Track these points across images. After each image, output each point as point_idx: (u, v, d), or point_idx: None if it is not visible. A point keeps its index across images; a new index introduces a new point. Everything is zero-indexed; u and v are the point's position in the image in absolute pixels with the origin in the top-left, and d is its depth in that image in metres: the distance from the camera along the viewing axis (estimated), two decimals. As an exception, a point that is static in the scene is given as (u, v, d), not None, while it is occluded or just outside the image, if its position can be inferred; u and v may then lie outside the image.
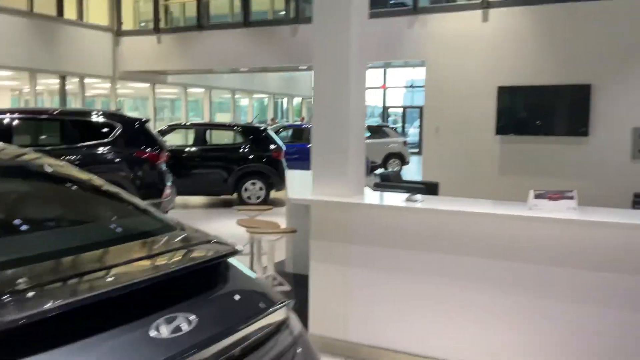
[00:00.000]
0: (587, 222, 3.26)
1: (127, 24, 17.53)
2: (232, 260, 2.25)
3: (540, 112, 10.35)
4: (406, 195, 3.99)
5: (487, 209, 3.53)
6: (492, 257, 3.53)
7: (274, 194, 11.33)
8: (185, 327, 1.68)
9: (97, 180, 2.42)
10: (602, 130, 9.80)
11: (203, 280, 1.97)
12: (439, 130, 11.22)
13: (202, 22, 15.74)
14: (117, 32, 17.00)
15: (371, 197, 4.13)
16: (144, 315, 1.66)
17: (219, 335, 1.74)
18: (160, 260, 1.95)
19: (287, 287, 5.10)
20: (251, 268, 5.52)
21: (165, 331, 1.63)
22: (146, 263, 1.92)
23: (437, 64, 11.17)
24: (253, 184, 11.10)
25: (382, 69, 25.16)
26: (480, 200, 4.01)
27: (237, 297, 2.05)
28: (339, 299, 4.01)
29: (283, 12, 17.02)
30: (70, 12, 16.30)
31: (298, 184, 4.96)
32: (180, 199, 11.62)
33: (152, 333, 1.61)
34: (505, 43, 10.50)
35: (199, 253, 2.09)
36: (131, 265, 1.88)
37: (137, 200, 2.39)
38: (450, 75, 11.02)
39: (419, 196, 3.94)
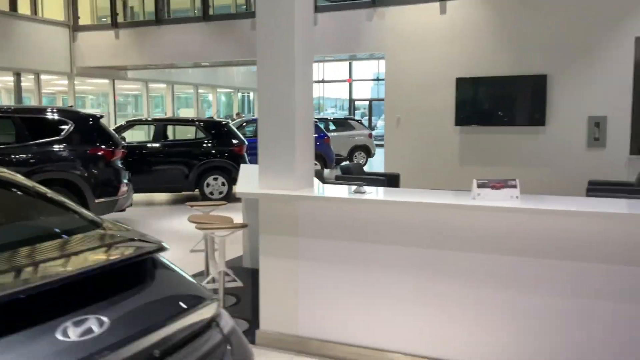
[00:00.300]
0: (528, 210, 3.30)
1: (85, 19, 17.14)
2: (163, 258, 2.20)
3: (498, 102, 10.48)
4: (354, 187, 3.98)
5: (431, 199, 3.54)
6: (438, 247, 3.54)
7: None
8: (96, 329, 1.63)
9: (16, 177, 2.33)
10: (558, 119, 9.96)
11: (123, 279, 1.92)
12: (400, 122, 11.27)
13: (161, 16, 15.48)
14: (74, 27, 16.60)
15: (319, 189, 4.11)
16: (53, 318, 1.60)
17: (134, 336, 1.69)
18: (75, 259, 1.89)
19: (239, 283, 5.05)
20: (206, 265, 5.46)
21: (73, 334, 1.58)
22: (59, 262, 1.86)
23: (397, 56, 11.20)
24: (215, 179, 10.99)
25: (348, 62, 25.17)
26: (432, 190, 4.02)
27: (160, 295, 2.00)
28: (289, 294, 3.98)
29: (244, 6, 16.86)
30: (24, 7, 15.85)
31: (252, 177, 4.90)
32: (143, 196, 11.45)
33: (59, 336, 1.56)
34: (463, 35, 10.58)
35: (119, 251, 2.03)
36: (43, 264, 1.81)
37: (61, 197, 2.32)
38: (409, 68, 11.06)
39: (366, 188, 3.93)
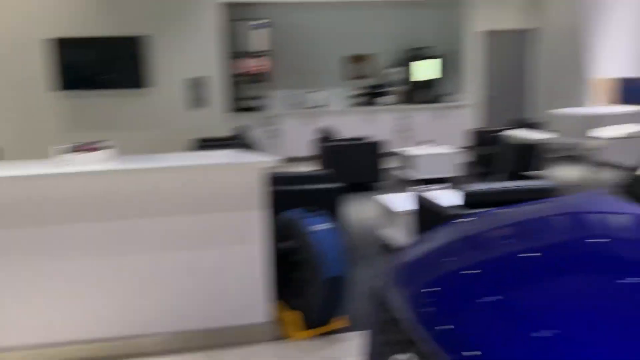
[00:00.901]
0: (122, 170, 3.24)
1: None
2: None
3: (98, 65, 10.07)
4: None
5: (8, 172, 3.13)
6: (21, 225, 3.18)
7: None
8: None
9: None
10: (160, 82, 10.20)
11: None
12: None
13: None
14: None
15: None
16: None
17: None
18: None
19: None
20: None
21: None
22: None
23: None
24: None
25: None
26: (21, 161, 3.56)
27: None
28: None
29: None
30: None
31: None
32: None
33: None
34: (51, -9, 9.72)
35: None
36: None
37: None
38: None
39: None
